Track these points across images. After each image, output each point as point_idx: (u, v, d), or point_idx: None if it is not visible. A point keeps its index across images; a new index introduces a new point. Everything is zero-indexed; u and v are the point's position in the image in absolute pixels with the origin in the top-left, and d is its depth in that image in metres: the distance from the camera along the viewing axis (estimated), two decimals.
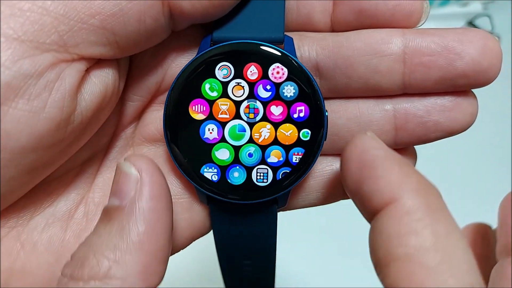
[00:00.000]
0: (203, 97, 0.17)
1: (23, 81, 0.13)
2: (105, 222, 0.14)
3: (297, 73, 0.16)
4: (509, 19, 0.67)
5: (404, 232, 0.12)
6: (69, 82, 0.14)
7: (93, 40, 0.14)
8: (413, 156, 0.19)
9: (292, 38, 0.17)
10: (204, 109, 0.17)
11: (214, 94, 0.17)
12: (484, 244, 0.18)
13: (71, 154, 0.16)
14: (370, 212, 0.14)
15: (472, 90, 0.17)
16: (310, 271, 0.45)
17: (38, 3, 0.13)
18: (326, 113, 0.17)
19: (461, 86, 0.16)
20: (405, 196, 0.13)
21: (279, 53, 0.16)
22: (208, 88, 0.17)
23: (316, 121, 0.17)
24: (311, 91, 0.17)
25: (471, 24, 0.66)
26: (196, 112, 0.17)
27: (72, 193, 0.17)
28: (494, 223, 0.55)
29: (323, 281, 0.44)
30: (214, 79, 0.17)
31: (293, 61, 0.16)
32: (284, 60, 0.16)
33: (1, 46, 0.12)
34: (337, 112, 0.18)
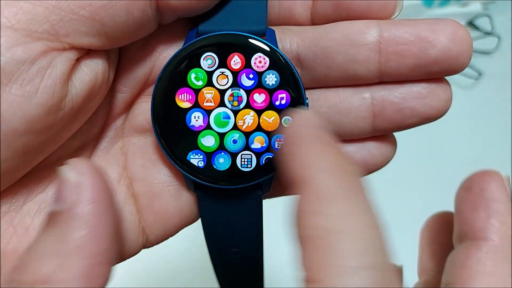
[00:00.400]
0: (189, 86, 0.18)
1: (16, 66, 0.13)
2: (48, 227, 0.14)
3: (278, 62, 0.17)
4: (509, 19, 0.67)
5: (312, 213, 0.12)
6: (60, 70, 0.14)
7: (83, 30, 0.14)
8: (393, 143, 0.19)
9: (274, 30, 0.18)
10: (190, 97, 0.18)
11: (200, 83, 0.18)
12: (448, 232, 0.18)
13: (62, 141, 0.16)
14: (289, 185, 0.14)
15: (449, 80, 0.18)
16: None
17: None
18: (307, 101, 0.17)
19: (434, 73, 0.17)
20: (318, 176, 0.13)
21: (261, 44, 0.17)
22: (194, 77, 0.17)
23: (297, 108, 0.17)
24: (292, 79, 0.17)
25: (471, 24, 0.66)
26: (183, 100, 0.18)
27: None
28: None
29: None
30: (199, 69, 0.17)
31: (274, 51, 0.17)
32: (265, 50, 0.17)
33: None
34: (318, 101, 0.18)
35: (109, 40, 0.15)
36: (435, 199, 0.54)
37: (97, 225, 0.14)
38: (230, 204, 0.19)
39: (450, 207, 0.60)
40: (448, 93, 0.17)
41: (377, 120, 0.18)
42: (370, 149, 0.19)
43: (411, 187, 0.53)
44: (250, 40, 0.17)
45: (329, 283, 0.11)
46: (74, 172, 0.14)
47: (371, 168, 0.19)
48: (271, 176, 0.18)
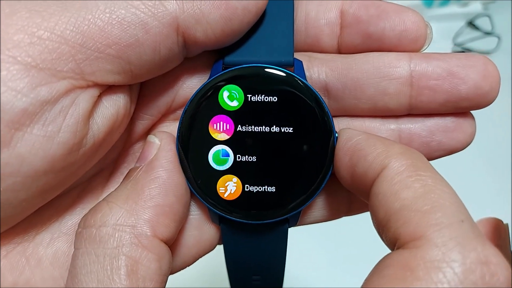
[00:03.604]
0: (224, 112, 0.17)
1: (40, 107, 0.13)
2: (124, 180, 0.16)
3: (306, 95, 0.16)
4: (509, 19, 0.67)
5: (397, 189, 0.13)
6: (83, 107, 0.14)
7: (108, 68, 0.14)
8: None
9: (301, 62, 0.17)
10: (228, 127, 0.17)
11: (235, 103, 0.17)
12: (496, 236, 0.19)
13: (80, 175, 0.16)
14: (367, 186, 0.15)
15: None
16: (314, 274, 0.45)
17: (56, 32, 0.13)
18: (336, 135, 0.17)
19: (463, 108, 0.17)
20: (393, 160, 0.14)
21: (289, 76, 0.16)
22: (227, 96, 0.17)
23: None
24: (321, 113, 0.16)
25: (471, 24, 0.66)
26: (218, 131, 0.17)
27: (78, 208, 0.17)
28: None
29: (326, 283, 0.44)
30: (234, 86, 0.17)
31: (302, 83, 0.16)
32: (293, 82, 0.16)
33: (19, 74, 0.12)
34: None
35: (133, 77, 0.15)
36: None
37: (168, 180, 0.16)
38: (256, 236, 0.18)
39: None
40: (473, 127, 0.17)
41: None
42: None
43: None
44: (276, 72, 0.16)
45: (433, 236, 0.12)
46: (157, 137, 0.16)
47: None
48: (299, 212, 0.17)
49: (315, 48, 0.18)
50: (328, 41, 0.18)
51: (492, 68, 0.16)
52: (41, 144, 0.13)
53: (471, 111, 0.17)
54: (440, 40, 0.65)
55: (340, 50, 0.18)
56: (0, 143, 0.13)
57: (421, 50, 0.17)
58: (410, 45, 0.17)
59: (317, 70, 0.17)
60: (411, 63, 0.16)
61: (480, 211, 0.55)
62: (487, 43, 0.64)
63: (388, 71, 0.16)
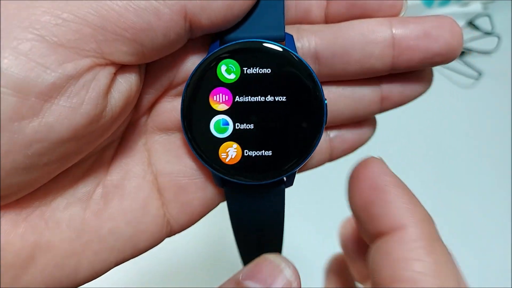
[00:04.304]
0: (222, 84, 0.18)
1: (66, 81, 0.14)
2: None
3: (297, 66, 0.18)
4: (509, 19, 0.67)
5: (410, 257, 0.15)
6: (103, 83, 0.15)
7: (124, 50, 0.15)
8: (374, 123, 0.22)
9: (292, 36, 0.18)
10: (227, 98, 0.18)
11: (232, 76, 0.18)
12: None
13: (97, 145, 0.17)
14: (374, 233, 0.16)
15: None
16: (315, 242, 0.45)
17: (79, 15, 0.14)
18: (325, 101, 0.18)
19: (436, 63, 0.19)
20: (412, 224, 0.15)
21: (281, 49, 0.18)
22: (225, 70, 0.18)
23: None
24: (312, 83, 0.18)
25: (471, 24, 0.66)
26: (218, 102, 0.18)
27: (91, 177, 0.18)
28: (493, 221, 0.55)
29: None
30: (231, 60, 0.18)
31: (294, 55, 0.18)
32: (286, 55, 0.18)
33: (47, 51, 0.14)
34: (335, 92, 0.20)
35: (144, 58, 0.16)
36: (434, 198, 0.54)
37: None
38: (256, 197, 0.20)
39: (448, 205, 0.60)
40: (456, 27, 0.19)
41: (384, 102, 0.20)
42: (362, 128, 0.22)
43: (410, 186, 0.53)
44: (271, 46, 0.18)
45: None
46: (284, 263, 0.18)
47: (362, 144, 0.22)
48: (294, 172, 0.19)
49: (305, 21, 0.20)
50: (317, 12, 0.19)
51: (457, 26, 0.18)
52: (66, 114, 0.15)
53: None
54: None
55: (327, 20, 0.20)
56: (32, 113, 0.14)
57: (400, 14, 0.19)
58: (389, 11, 0.19)
59: (307, 40, 0.19)
60: (392, 27, 0.18)
61: (480, 212, 0.55)
62: (487, 43, 0.64)
63: (373, 36, 0.18)
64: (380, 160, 0.18)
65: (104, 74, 0.15)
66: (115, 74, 0.16)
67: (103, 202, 0.18)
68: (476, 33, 0.66)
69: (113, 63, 0.16)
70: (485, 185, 0.54)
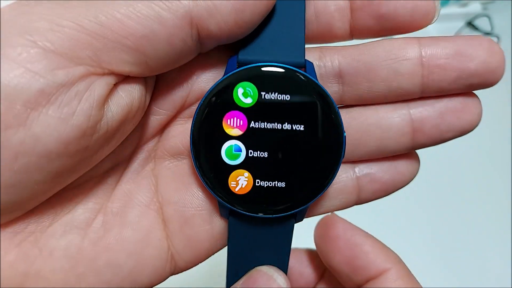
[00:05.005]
0: (238, 108, 0.17)
1: (56, 89, 0.13)
2: None
3: (317, 94, 0.17)
4: (508, 19, 0.67)
5: None
6: (98, 93, 0.14)
7: (125, 58, 0.14)
8: (417, 159, 0.20)
9: (312, 64, 0.17)
10: (241, 123, 0.17)
11: (249, 100, 0.17)
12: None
13: (94, 164, 0.16)
14: (362, 280, 0.18)
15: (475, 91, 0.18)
16: None
17: (76, 21, 0.14)
18: (345, 134, 0.17)
19: (474, 86, 0.17)
20: (394, 265, 0.18)
21: (302, 76, 0.17)
22: (242, 93, 0.17)
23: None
24: (332, 114, 0.17)
25: (470, 24, 0.66)
26: (231, 126, 0.17)
27: (90, 202, 0.17)
28: (493, 221, 0.55)
29: None
30: (248, 82, 0.17)
31: (315, 83, 0.17)
32: (306, 82, 0.17)
33: (37, 57, 0.13)
34: (358, 118, 0.18)
35: (148, 69, 0.15)
36: (434, 198, 0.54)
37: None
38: (262, 230, 0.18)
39: (448, 206, 0.59)
40: (480, 107, 0.18)
41: (416, 135, 0.18)
42: (398, 167, 0.19)
43: (408, 186, 0.53)
44: (289, 71, 0.17)
45: None
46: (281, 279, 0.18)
47: (398, 186, 0.20)
48: (306, 207, 0.18)
49: (328, 35, 0.18)
50: (340, 26, 0.18)
51: (497, 47, 0.17)
52: (55, 125, 0.13)
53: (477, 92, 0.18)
54: None
55: (353, 34, 0.18)
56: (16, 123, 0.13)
57: (432, 22, 0.17)
58: (423, 19, 0.17)
59: (330, 59, 0.18)
60: (420, 45, 0.17)
61: (480, 212, 0.55)
62: None
63: (399, 53, 0.17)
64: (339, 217, 0.19)
65: (101, 84, 0.14)
66: (115, 85, 0.15)
67: (103, 231, 0.17)
68: (475, 33, 0.66)
69: (112, 73, 0.14)
70: (485, 185, 0.54)
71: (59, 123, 0.13)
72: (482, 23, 0.66)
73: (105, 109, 0.15)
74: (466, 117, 0.18)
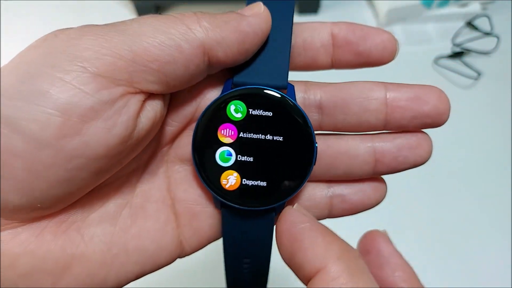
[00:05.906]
0: (230, 121, 0.21)
1: (102, 106, 0.17)
2: None
3: (295, 112, 0.21)
4: (508, 19, 0.67)
5: None
6: (133, 109, 0.18)
7: (151, 79, 0.18)
8: (384, 184, 0.23)
9: (293, 86, 0.21)
10: (232, 133, 0.21)
11: (239, 115, 0.21)
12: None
13: (124, 164, 0.20)
14: (305, 278, 0.18)
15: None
16: None
17: (115, 50, 0.17)
18: (316, 145, 0.21)
19: (426, 125, 0.21)
20: (330, 263, 0.17)
21: (281, 96, 0.21)
22: (233, 109, 0.21)
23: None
24: (306, 127, 0.21)
25: (470, 24, 0.66)
26: (224, 136, 0.21)
27: (119, 197, 0.21)
28: (493, 221, 0.55)
29: None
30: (239, 101, 0.21)
31: (292, 103, 0.21)
32: (285, 101, 0.21)
33: (88, 80, 0.16)
34: (332, 146, 0.22)
35: (168, 87, 0.19)
36: (434, 198, 0.54)
37: None
38: (249, 221, 0.22)
39: (448, 206, 0.59)
40: (431, 145, 0.22)
41: (378, 165, 0.22)
42: (367, 192, 0.23)
43: (409, 186, 0.54)
44: (272, 93, 0.21)
45: None
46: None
47: (367, 207, 0.23)
48: (283, 203, 0.21)
49: (313, 65, 0.22)
50: (324, 59, 0.22)
51: (444, 95, 0.21)
52: (102, 134, 0.17)
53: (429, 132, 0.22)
54: (439, 40, 0.66)
55: (334, 65, 0.22)
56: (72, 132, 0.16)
57: (394, 58, 0.22)
58: (389, 56, 0.21)
59: (313, 93, 0.22)
60: (386, 89, 0.21)
61: (480, 212, 0.55)
62: (486, 44, 0.65)
63: (369, 93, 0.21)
64: (295, 209, 0.19)
65: (134, 101, 0.18)
66: (144, 101, 0.18)
67: (130, 220, 0.21)
68: (475, 34, 0.66)
69: (141, 91, 0.18)
70: (485, 185, 0.54)
71: (104, 132, 0.17)
72: (482, 23, 0.66)
73: (138, 121, 0.18)
74: (419, 153, 0.22)
